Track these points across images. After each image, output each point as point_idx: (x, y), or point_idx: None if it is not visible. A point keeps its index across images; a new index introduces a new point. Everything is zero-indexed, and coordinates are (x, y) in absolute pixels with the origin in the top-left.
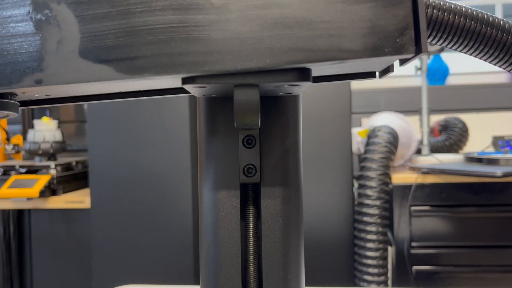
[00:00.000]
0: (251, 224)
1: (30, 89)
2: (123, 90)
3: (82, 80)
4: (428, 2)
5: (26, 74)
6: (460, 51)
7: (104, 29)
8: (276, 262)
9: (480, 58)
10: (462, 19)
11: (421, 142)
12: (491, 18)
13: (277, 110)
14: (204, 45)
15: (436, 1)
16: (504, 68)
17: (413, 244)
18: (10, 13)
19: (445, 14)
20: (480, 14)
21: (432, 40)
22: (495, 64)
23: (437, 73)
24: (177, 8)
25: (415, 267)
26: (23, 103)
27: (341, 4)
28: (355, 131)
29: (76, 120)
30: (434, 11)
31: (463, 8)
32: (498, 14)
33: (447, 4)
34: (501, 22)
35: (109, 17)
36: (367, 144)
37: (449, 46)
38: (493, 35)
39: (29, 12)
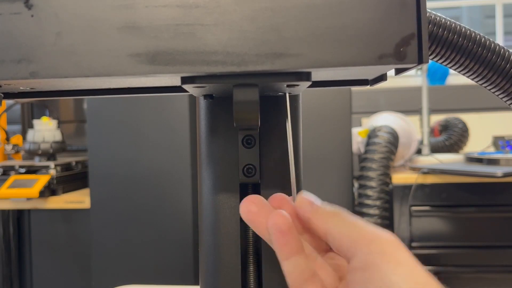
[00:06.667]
0: None
1: (19, 82)
2: (120, 86)
3: (80, 75)
4: (430, 18)
5: (22, 66)
6: (455, 69)
7: (105, 23)
8: (275, 262)
9: (477, 82)
10: (460, 38)
11: (421, 142)
12: (487, 41)
13: (277, 110)
14: (206, 45)
15: (433, 16)
16: (501, 96)
17: (413, 244)
18: (6, 1)
19: (445, 32)
20: (478, 36)
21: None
22: (490, 90)
23: (437, 73)
24: (181, 5)
25: None
26: (5, 95)
27: (347, 11)
28: (355, 131)
29: (76, 120)
30: (435, 28)
31: (463, 29)
32: (498, 14)
33: (443, 20)
34: (502, 48)
35: (112, 11)
36: (367, 144)
37: (444, 63)
38: (493, 60)
39: (27, 0)
